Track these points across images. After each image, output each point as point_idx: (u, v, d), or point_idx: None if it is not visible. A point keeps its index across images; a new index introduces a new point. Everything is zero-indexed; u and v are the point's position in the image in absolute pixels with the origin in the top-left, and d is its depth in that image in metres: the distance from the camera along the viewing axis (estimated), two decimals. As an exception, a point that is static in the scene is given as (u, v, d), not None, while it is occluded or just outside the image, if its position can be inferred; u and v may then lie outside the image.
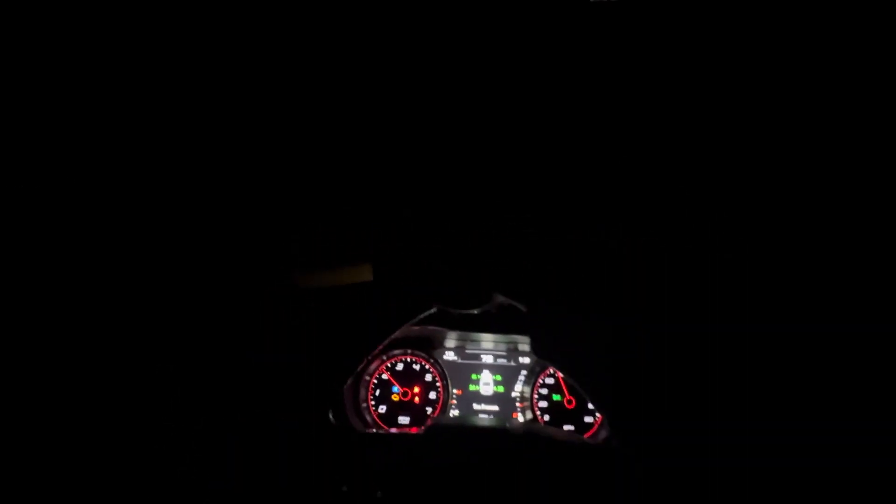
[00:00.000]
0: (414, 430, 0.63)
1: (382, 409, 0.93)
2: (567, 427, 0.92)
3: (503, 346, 0.99)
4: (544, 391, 0.95)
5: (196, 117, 0.63)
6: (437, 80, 0.60)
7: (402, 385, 0.95)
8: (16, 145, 0.61)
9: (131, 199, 0.69)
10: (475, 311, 0.70)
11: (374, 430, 0.63)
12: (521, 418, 0.94)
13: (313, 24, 0.55)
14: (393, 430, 0.91)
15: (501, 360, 0.99)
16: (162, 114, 0.62)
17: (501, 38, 0.56)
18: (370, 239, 0.70)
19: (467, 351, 0.99)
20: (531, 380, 0.95)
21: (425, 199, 0.71)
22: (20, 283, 0.65)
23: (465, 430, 0.60)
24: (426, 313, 0.68)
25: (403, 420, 0.92)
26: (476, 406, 0.95)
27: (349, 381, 0.92)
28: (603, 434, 0.90)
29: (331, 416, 0.60)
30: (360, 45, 0.57)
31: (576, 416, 0.93)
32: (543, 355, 0.65)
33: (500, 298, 0.70)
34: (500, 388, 0.97)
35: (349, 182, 0.70)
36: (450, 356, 0.98)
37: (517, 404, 0.95)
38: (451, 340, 0.98)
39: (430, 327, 0.90)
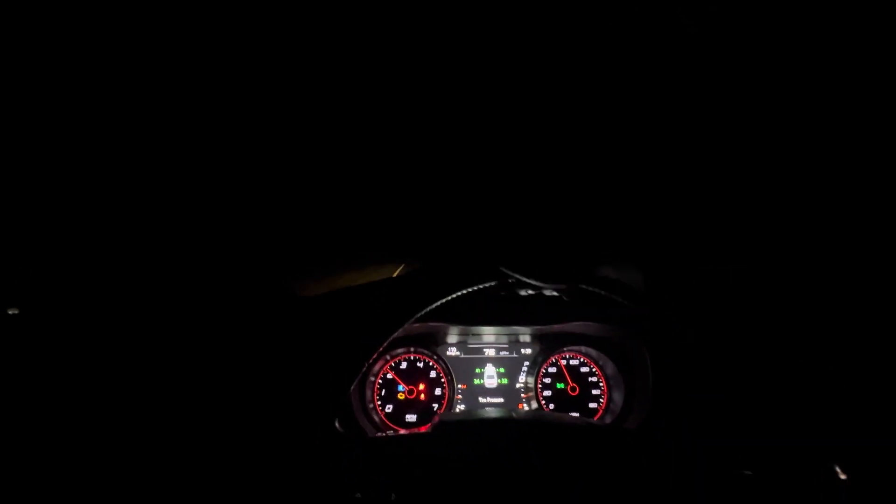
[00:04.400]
0: (423, 429, 0.63)
1: (389, 408, 0.93)
2: (572, 413, 0.94)
3: (505, 339, 1.00)
4: (548, 380, 0.97)
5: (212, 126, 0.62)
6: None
7: (407, 383, 0.95)
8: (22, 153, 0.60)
9: (128, 201, 0.68)
10: (547, 290, 0.61)
11: (383, 434, 0.63)
12: (526, 408, 0.95)
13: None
14: (402, 430, 0.91)
15: (504, 353, 1.00)
16: (173, 120, 0.61)
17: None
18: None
19: (470, 346, 1.00)
20: (534, 370, 0.96)
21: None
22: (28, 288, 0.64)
23: (473, 424, 0.60)
24: (484, 284, 0.62)
25: (411, 418, 0.93)
26: (482, 399, 0.96)
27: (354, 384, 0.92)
28: (607, 419, 0.92)
29: (337, 425, 0.60)
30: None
31: (580, 403, 0.95)
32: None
33: (607, 273, 0.63)
34: (505, 381, 0.98)
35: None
36: (453, 352, 0.99)
37: (522, 395, 0.97)
38: (453, 336, 0.98)
39: (432, 323, 0.90)
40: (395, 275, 0.76)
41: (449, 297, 0.63)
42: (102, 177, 0.68)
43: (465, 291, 0.63)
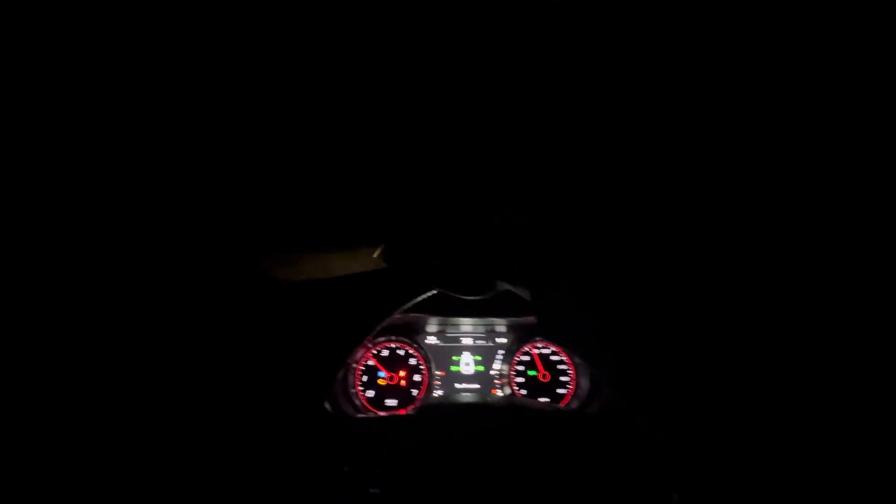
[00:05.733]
0: (402, 412, 0.68)
1: (370, 393, 0.98)
2: (542, 399, 1.00)
3: (482, 329, 1.06)
4: (520, 368, 1.03)
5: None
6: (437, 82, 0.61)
7: (388, 370, 1.00)
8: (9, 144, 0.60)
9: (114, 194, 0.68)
10: (478, 298, 0.75)
11: (367, 416, 0.68)
12: (500, 393, 1.02)
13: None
14: (382, 413, 0.96)
15: (480, 342, 1.05)
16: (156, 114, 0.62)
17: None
18: (378, 227, 0.72)
19: (448, 335, 1.05)
20: (508, 358, 1.02)
21: (431, 192, 0.73)
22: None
23: (451, 408, 0.66)
24: (426, 295, 0.72)
25: (391, 402, 0.98)
26: (458, 385, 1.02)
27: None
28: (574, 403, 0.99)
29: (327, 406, 0.65)
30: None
31: (550, 389, 1.01)
32: (550, 336, 0.71)
33: (504, 286, 0.75)
34: (480, 368, 1.04)
35: (357, 173, 0.71)
36: (432, 340, 1.04)
37: (496, 381, 1.03)
38: (432, 326, 1.03)
39: (413, 314, 0.95)
40: (375, 257, 0.80)
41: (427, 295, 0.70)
42: (64, 163, 0.68)
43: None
